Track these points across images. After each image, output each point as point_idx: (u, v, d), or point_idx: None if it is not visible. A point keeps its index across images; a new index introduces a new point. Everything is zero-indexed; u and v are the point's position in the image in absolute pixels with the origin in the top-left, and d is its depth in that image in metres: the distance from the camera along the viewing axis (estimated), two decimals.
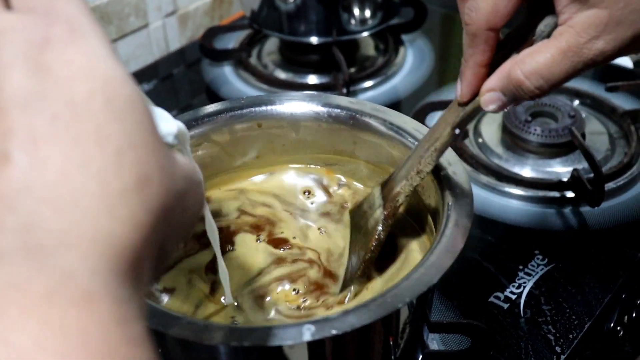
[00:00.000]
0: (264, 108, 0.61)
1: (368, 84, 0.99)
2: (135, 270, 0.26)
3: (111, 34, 1.03)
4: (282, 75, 1.01)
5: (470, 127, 0.88)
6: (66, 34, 0.26)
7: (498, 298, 0.67)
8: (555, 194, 0.78)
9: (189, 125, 0.59)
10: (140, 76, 1.06)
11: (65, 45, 0.26)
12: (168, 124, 0.41)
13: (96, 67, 0.26)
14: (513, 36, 0.46)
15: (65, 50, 0.26)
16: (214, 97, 1.00)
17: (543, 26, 0.44)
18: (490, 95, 0.44)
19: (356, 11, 0.95)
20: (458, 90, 0.47)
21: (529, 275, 0.69)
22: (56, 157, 0.24)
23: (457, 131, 0.49)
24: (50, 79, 0.25)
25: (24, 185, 0.24)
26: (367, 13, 0.96)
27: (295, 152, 0.63)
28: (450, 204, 0.50)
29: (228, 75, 1.03)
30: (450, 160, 0.53)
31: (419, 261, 0.47)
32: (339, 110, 0.60)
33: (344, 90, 0.93)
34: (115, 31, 1.04)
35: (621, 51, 0.41)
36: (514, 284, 0.69)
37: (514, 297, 0.67)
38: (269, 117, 0.61)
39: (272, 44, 1.06)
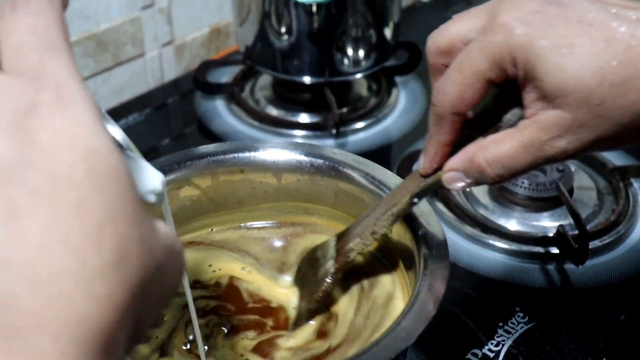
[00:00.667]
0: (247, 154, 0.60)
1: (360, 125, 0.99)
2: (108, 350, 0.25)
3: (107, 62, 1.03)
4: (273, 112, 1.01)
5: None
6: (54, 101, 0.26)
7: (476, 355, 0.66)
8: (540, 249, 0.77)
9: (172, 168, 0.59)
10: (134, 105, 1.06)
11: (52, 112, 0.25)
12: (153, 179, 0.40)
13: (81, 137, 0.25)
14: (481, 117, 0.47)
15: (52, 118, 0.25)
16: (205, 130, 1.00)
17: (510, 115, 0.45)
18: (452, 175, 0.46)
19: (350, 52, 0.95)
20: (420, 163, 0.49)
21: (509, 333, 0.69)
22: (35, 232, 0.24)
23: (416, 200, 0.50)
24: (34, 147, 0.24)
25: (1, 261, 0.23)
26: (361, 54, 0.96)
27: (276, 199, 0.62)
28: (425, 260, 0.50)
29: (220, 109, 1.02)
30: (424, 211, 0.53)
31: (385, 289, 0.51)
32: (321, 161, 0.60)
33: (334, 131, 0.93)
34: (111, 59, 1.04)
35: (584, 150, 0.41)
36: (492, 341, 0.68)
37: (492, 355, 0.66)
38: (252, 163, 0.60)
39: (265, 79, 1.06)
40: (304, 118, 0.99)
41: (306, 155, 0.60)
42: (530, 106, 0.41)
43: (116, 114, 1.04)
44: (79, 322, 0.24)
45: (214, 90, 1.04)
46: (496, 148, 0.43)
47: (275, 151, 0.60)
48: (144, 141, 0.98)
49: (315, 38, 0.93)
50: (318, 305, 0.53)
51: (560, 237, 0.76)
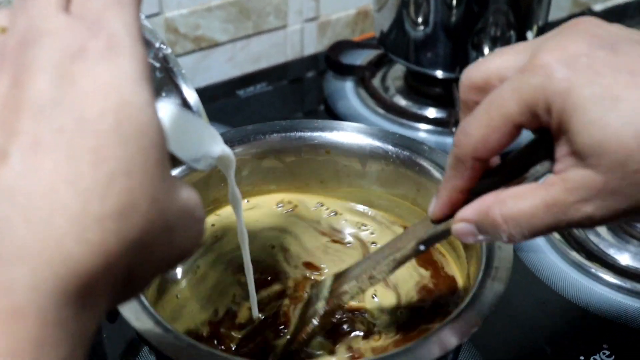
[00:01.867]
0: (335, 136, 0.59)
1: None
2: (87, 296, 0.25)
3: (247, 30, 1.05)
4: (401, 102, 0.99)
5: None
6: (103, 49, 0.26)
7: None
8: None
9: (256, 138, 0.59)
10: (269, 75, 1.08)
11: (97, 60, 0.26)
12: (209, 148, 0.40)
13: (119, 88, 0.26)
14: (506, 166, 0.41)
15: (96, 65, 0.26)
16: (330, 110, 0.99)
17: (539, 167, 0.39)
18: (463, 226, 0.41)
19: (486, 50, 0.91)
20: (431, 207, 0.44)
21: None
22: (48, 169, 0.25)
23: (422, 247, 0.45)
24: (72, 90, 0.26)
25: (9, 188, 0.24)
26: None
27: (359, 186, 0.61)
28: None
29: (347, 91, 1.02)
30: None
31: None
32: (407, 153, 0.58)
33: (453, 129, 0.90)
34: (252, 27, 1.06)
35: (613, 220, 0.36)
36: None
37: None
38: (338, 146, 0.59)
39: (398, 69, 1.04)
40: (430, 112, 0.97)
41: (394, 145, 0.58)
42: (561, 160, 0.36)
43: (250, 79, 1.06)
44: (62, 261, 0.24)
45: (344, 71, 1.03)
46: (515, 204, 0.38)
47: (363, 137, 0.59)
48: (274, 111, 0.99)
49: (452, 32, 0.90)
50: (298, 346, 0.50)
51: None
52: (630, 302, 0.71)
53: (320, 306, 0.50)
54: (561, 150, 0.36)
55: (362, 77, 1.02)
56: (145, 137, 0.26)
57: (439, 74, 0.93)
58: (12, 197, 0.24)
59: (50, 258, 0.24)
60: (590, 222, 0.36)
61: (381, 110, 0.97)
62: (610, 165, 0.34)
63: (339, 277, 0.51)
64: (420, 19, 0.91)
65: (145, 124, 0.26)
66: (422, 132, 0.94)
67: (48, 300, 0.24)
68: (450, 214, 0.43)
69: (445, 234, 0.44)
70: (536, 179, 0.39)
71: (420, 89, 0.99)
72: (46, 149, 0.25)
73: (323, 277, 0.54)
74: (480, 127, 0.38)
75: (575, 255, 0.75)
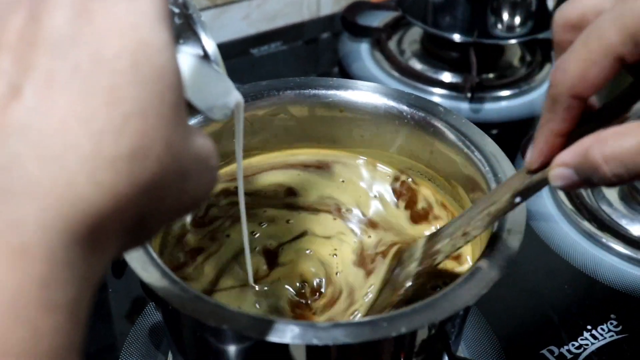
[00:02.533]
0: (350, 93, 0.59)
1: (502, 93, 0.94)
2: (96, 238, 0.25)
3: None
4: (417, 65, 0.98)
5: None
6: None
7: (552, 353, 0.62)
8: None
9: (270, 94, 0.58)
10: (284, 34, 1.07)
11: None
12: (225, 96, 0.40)
13: (137, 27, 0.25)
14: (607, 109, 0.39)
15: (115, 3, 0.25)
16: (344, 72, 0.98)
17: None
18: (560, 171, 0.38)
19: (505, 16, 0.90)
20: (528, 156, 0.41)
21: (595, 338, 0.64)
22: (63, 106, 0.24)
23: (518, 199, 0.43)
24: (89, 27, 0.25)
25: (22, 124, 0.24)
26: (517, 20, 0.91)
27: (371, 146, 0.60)
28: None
29: (363, 53, 1.01)
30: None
31: None
32: (422, 114, 0.57)
33: (469, 95, 0.89)
34: None
35: None
36: (574, 342, 0.63)
37: (569, 356, 0.62)
38: (352, 104, 0.59)
39: (415, 32, 1.03)
40: (446, 77, 0.96)
41: (408, 105, 0.57)
42: None
43: (265, 38, 1.05)
44: (72, 201, 0.24)
45: (360, 32, 1.02)
46: (617, 141, 0.34)
47: (378, 96, 0.58)
48: (287, 72, 0.98)
49: None
50: (392, 309, 0.47)
51: None
52: (638, 273, 0.70)
53: (413, 267, 0.48)
54: None
55: (378, 39, 1.01)
56: (162, 79, 0.26)
57: (457, 37, 0.92)
58: (24, 133, 0.24)
59: (60, 197, 0.24)
60: None
61: (396, 74, 0.96)
62: None
63: (432, 237, 0.49)
64: None
65: (163, 66, 0.26)
66: (437, 96, 0.93)
67: (57, 240, 0.24)
68: (547, 162, 0.40)
69: (542, 183, 0.41)
70: (639, 117, 0.37)
71: (437, 52, 0.98)
72: (61, 85, 0.24)
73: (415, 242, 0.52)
74: (579, 61, 0.36)
75: (586, 224, 0.74)
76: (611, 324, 0.65)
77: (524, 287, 0.69)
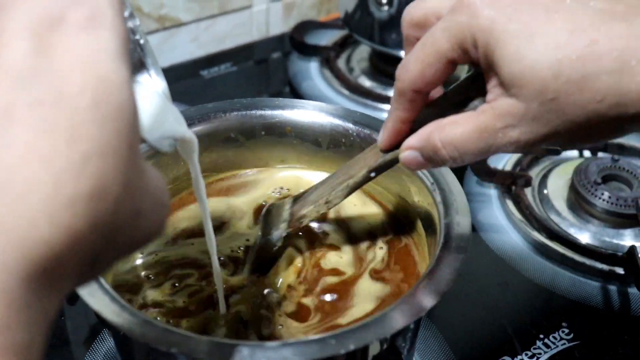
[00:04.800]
0: (296, 113, 0.59)
1: None
2: (52, 278, 0.25)
3: (213, 9, 1.04)
4: (366, 83, 0.99)
5: (538, 176, 0.83)
6: (84, 21, 0.25)
7: None
8: (604, 266, 0.72)
9: (217, 116, 0.58)
10: (234, 55, 1.07)
11: (77, 32, 0.25)
12: (176, 129, 0.40)
13: (98, 64, 0.25)
14: (447, 97, 0.45)
15: (76, 37, 0.25)
16: (295, 91, 0.99)
17: (478, 102, 0.42)
18: (409, 154, 0.44)
19: None
20: (380, 137, 0.47)
21: (548, 347, 0.64)
22: (23, 143, 0.23)
23: (373, 174, 0.49)
24: (50, 61, 0.24)
25: None
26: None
27: (318, 166, 0.61)
28: (439, 254, 0.47)
29: (312, 72, 1.01)
30: (459, 209, 0.50)
31: None
32: (368, 131, 0.57)
33: None
34: (217, 7, 1.05)
35: (536, 144, 0.39)
36: (527, 352, 0.64)
37: None
38: (299, 124, 0.59)
39: (363, 50, 1.04)
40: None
41: (354, 123, 0.58)
42: (491, 91, 0.39)
43: (215, 60, 1.05)
44: (32, 242, 0.23)
45: (309, 51, 1.03)
46: (452, 129, 0.41)
47: (324, 115, 0.59)
48: (238, 92, 0.98)
49: None
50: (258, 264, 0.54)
51: (629, 257, 0.70)
52: (590, 281, 0.72)
53: (283, 228, 0.53)
54: (491, 82, 0.39)
55: (326, 57, 1.02)
56: (121, 118, 0.25)
57: (404, 54, 0.93)
58: None
59: (21, 237, 0.23)
60: (516, 147, 0.40)
61: (346, 91, 0.97)
62: (529, 94, 0.37)
63: (297, 200, 0.54)
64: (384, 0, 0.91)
65: (122, 103, 0.25)
66: (387, 112, 0.94)
67: (14, 281, 0.23)
68: (397, 144, 0.46)
69: (393, 162, 0.47)
70: (472, 109, 0.42)
71: (385, 69, 0.99)
72: (21, 120, 0.23)
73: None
74: (417, 62, 0.41)
75: (536, 234, 0.75)
76: (563, 332, 0.66)
77: (476, 299, 0.69)
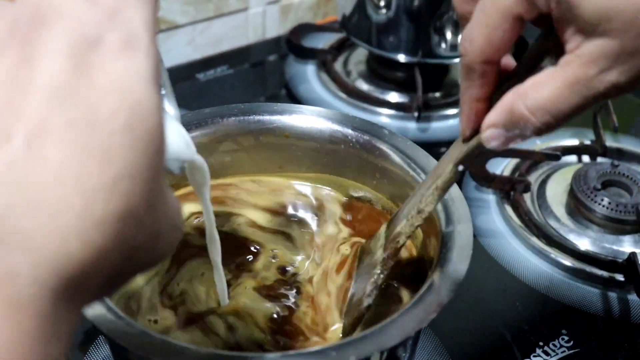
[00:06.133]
0: (294, 118, 0.58)
1: (450, 111, 0.94)
2: (77, 294, 0.25)
3: (208, 12, 1.04)
4: (363, 86, 0.98)
5: (536, 181, 0.82)
6: (121, 44, 0.26)
7: None
8: (604, 273, 0.71)
9: (214, 121, 0.57)
10: (230, 58, 1.06)
11: (114, 54, 0.25)
12: (185, 151, 0.40)
13: (133, 88, 0.25)
14: (522, 65, 0.40)
15: (113, 59, 0.25)
16: (291, 94, 0.98)
17: (552, 58, 0.38)
18: (491, 132, 0.39)
19: (448, 35, 0.90)
20: (460, 128, 0.43)
21: (547, 354, 0.64)
22: (56, 161, 0.24)
23: (461, 167, 0.45)
24: (86, 82, 0.25)
25: (13, 173, 0.23)
26: (460, 39, 0.91)
27: (318, 170, 0.60)
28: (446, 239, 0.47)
29: (309, 75, 1.01)
30: (461, 217, 0.49)
31: None
32: (367, 137, 0.57)
33: (416, 114, 0.89)
34: (214, 9, 1.04)
35: (637, 83, 0.35)
36: (527, 359, 0.63)
37: None
38: (297, 130, 0.58)
39: (360, 53, 1.03)
40: (392, 97, 0.96)
41: (353, 129, 0.57)
42: (571, 40, 0.35)
43: (211, 62, 1.04)
44: (64, 258, 0.24)
45: (305, 54, 1.02)
46: (537, 92, 0.36)
47: (323, 121, 0.58)
48: (234, 96, 0.98)
49: (414, 16, 0.89)
50: (368, 300, 0.49)
51: (629, 264, 0.69)
52: (589, 288, 0.71)
53: (379, 254, 0.50)
54: (569, 30, 0.35)
55: (323, 60, 1.01)
56: (152, 142, 0.26)
57: (401, 57, 0.93)
58: (17, 183, 0.23)
59: (53, 254, 0.24)
60: (617, 90, 0.35)
61: (343, 95, 0.97)
62: (622, 26, 0.33)
63: (391, 222, 0.51)
64: (382, 3, 0.90)
65: (154, 128, 0.26)
66: (385, 116, 0.94)
67: (47, 296, 0.24)
68: (476, 127, 0.42)
69: (478, 148, 0.43)
70: (551, 65, 0.38)
71: (382, 73, 0.99)
72: (54, 138, 0.24)
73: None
74: (481, 28, 0.37)
75: (535, 240, 0.75)
76: (562, 339, 0.65)
77: (475, 306, 0.69)
